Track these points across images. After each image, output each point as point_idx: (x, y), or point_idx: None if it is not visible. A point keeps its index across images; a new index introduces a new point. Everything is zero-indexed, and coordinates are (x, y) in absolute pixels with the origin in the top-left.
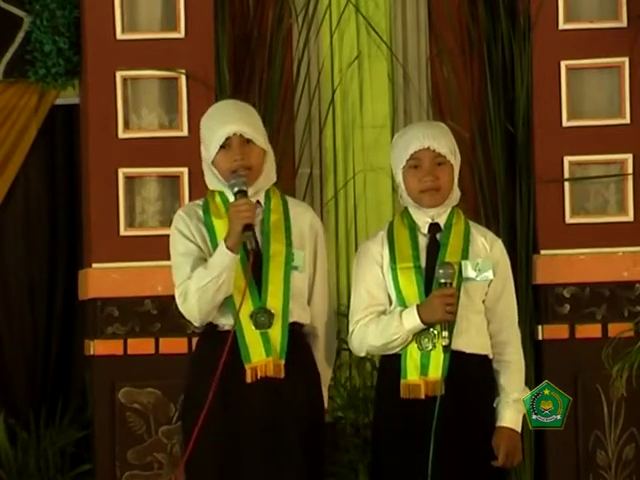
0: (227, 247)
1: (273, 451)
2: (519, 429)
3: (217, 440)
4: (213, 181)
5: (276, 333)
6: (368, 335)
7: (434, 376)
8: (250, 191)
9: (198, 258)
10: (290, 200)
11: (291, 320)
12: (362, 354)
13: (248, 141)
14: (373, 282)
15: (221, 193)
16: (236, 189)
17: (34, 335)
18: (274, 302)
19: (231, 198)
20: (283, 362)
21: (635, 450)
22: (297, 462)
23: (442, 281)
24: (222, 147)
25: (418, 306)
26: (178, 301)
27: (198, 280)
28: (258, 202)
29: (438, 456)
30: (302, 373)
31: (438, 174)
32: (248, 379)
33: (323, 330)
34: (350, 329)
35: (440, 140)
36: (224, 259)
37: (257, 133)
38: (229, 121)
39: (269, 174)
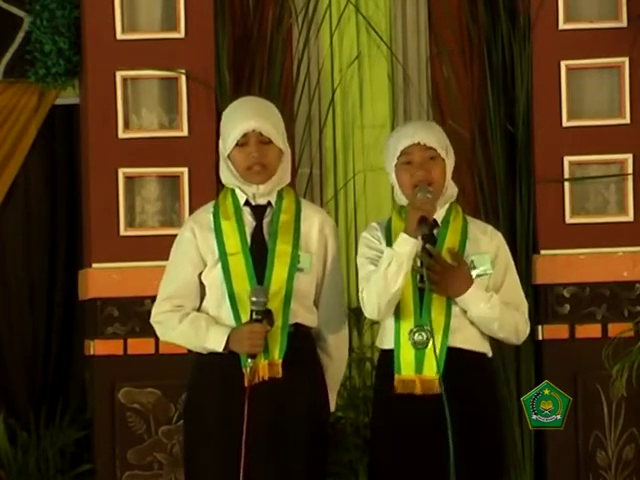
0: (223, 348)
1: (275, 451)
2: (471, 285)
3: (219, 441)
4: (228, 176)
5: (275, 333)
6: (371, 285)
7: (430, 374)
8: (262, 190)
9: (187, 283)
10: (304, 202)
11: (294, 321)
12: (375, 314)
13: (268, 141)
14: (372, 251)
15: (233, 192)
16: (255, 308)
17: (34, 335)
18: (275, 303)
19: (241, 197)
20: (280, 362)
21: (635, 450)
22: (299, 462)
23: (418, 195)
24: (239, 142)
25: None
26: (153, 318)
27: (180, 336)
28: (269, 202)
29: (436, 453)
30: (303, 374)
31: (430, 168)
32: (246, 382)
33: (332, 334)
34: (360, 299)
35: (430, 135)
36: (211, 348)
37: (276, 132)
38: (249, 117)
39: (283, 175)
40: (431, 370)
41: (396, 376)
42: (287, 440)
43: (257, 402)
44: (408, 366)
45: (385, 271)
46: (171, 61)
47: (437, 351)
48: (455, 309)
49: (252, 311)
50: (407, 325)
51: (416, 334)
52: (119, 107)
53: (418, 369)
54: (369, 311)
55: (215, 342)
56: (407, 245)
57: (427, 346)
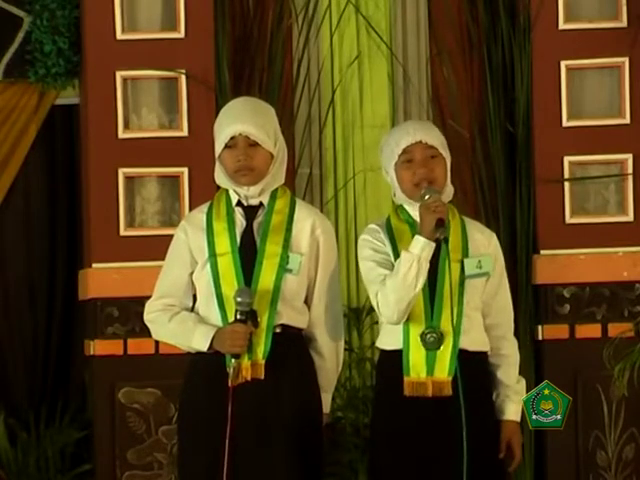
0: (207, 348)
1: (260, 452)
2: (519, 420)
3: (205, 441)
4: (220, 177)
5: (260, 334)
6: (388, 291)
7: (441, 376)
8: (252, 192)
9: (178, 283)
10: (299, 203)
11: (280, 322)
12: (395, 318)
13: (255, 143)
14: (379, 254)
15: (227, 192)
16: (239, 309)
17: (34, 335)
18: (261, 303)
19: (234, 198)
20: (264, 362)
21: (635, 450)
22: (285, 463)
23: (427, 197)
24: (228, 144)
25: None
26: (145, 317)
27: (170, 334)
28: (261, 203)
29: (443, 455)
30: (289, 375)
31: (432, 166)
32: (229, 383)
33: (324, 335)
34: (374, 303)
35: (430, 134)
36: (196, 348)
37: (265, 135)
38: (237, 120)
39: (276, 176)
40: (443, 372)
41: (405, 378)
42: (272, 441)
43: (241, 402)
44: (419, 368)
45: (405, 275)
46: (171, 61)
47: (449, 353)
48: (464, 310)
49: (236, 311)
50: (418, 327)
51: (428, 336)
52: (119, 107)
53: (429, 371)
54: (387, 315)
55: (199, 342)
56: (427, 248)
57: (439, 348)
